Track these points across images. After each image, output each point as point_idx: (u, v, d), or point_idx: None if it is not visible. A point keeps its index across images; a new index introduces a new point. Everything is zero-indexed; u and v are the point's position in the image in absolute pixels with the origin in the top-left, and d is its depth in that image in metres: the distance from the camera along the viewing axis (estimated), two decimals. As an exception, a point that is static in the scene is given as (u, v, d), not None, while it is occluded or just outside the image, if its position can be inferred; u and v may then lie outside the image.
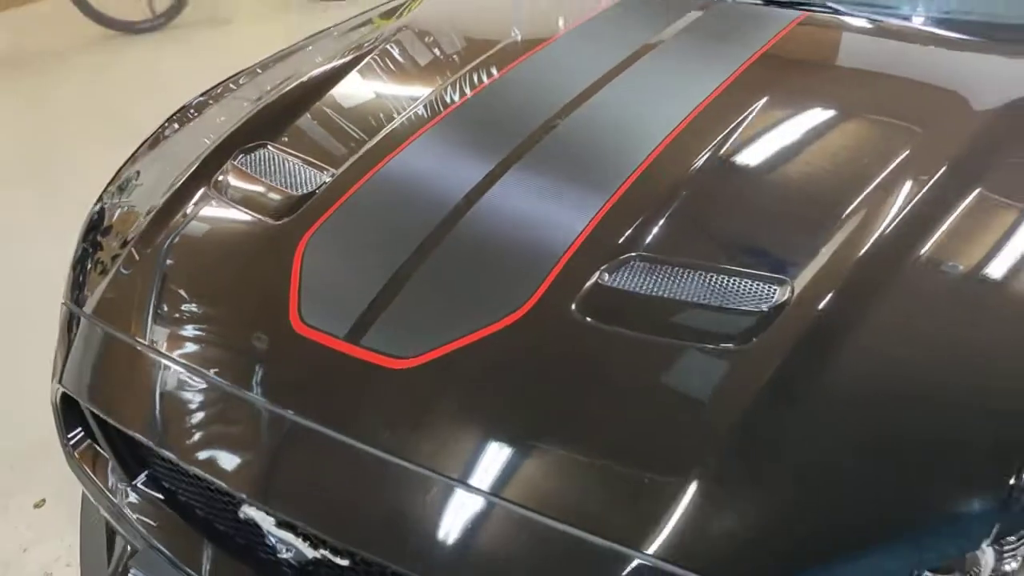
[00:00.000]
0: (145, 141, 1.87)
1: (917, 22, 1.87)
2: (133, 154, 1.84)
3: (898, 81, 1.71)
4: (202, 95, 1.96)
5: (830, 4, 1.94)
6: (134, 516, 1.42)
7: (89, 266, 1.55)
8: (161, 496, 1.43)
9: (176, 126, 1.85)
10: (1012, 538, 1.06)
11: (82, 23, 5.20)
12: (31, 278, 2.88)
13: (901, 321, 1.16)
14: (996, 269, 1.24)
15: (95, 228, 1.64)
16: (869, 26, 1.87)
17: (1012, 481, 1.03)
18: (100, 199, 1.71)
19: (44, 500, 2.12)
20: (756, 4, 1.98)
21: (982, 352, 1.14)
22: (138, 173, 1.74)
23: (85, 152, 3.78)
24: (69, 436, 1.53)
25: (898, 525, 1.03)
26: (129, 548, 1.50)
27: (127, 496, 1.44)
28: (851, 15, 1.90)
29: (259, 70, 1.99)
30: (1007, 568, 1.08)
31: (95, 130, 4.05)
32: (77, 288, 1.53)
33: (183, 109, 1.93)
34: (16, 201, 3.49)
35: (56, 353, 1.53)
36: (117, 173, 1.77)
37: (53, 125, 4.28)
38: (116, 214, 1.63)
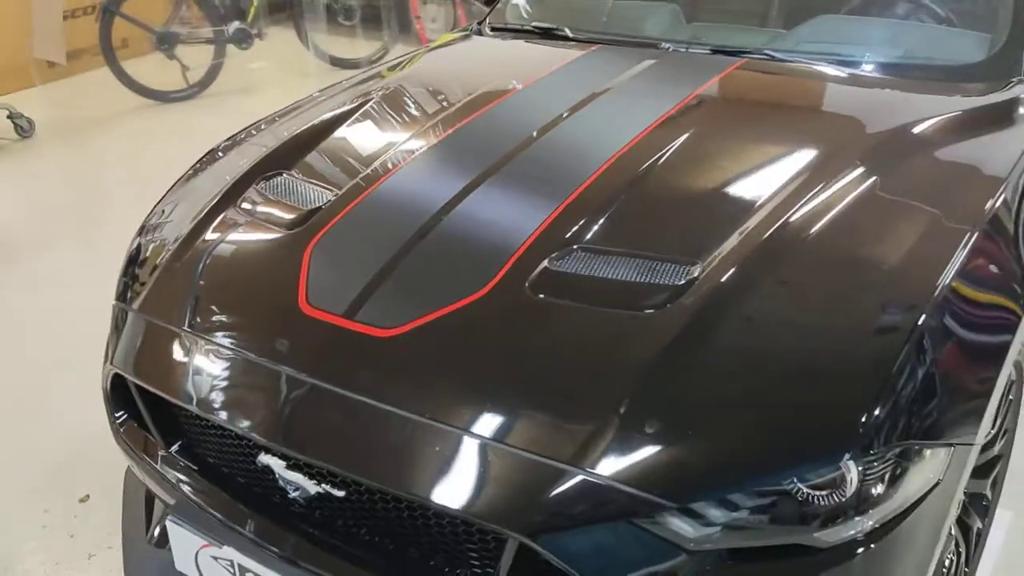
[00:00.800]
0: (181, 177, 2.21)
1: (830, 66, 2.20)
2: (171, 187, 2.17)
3: (806, 111, 2.04)
4: (227, 139, 2.30)
5: (765, 51, 2.27)
6: (171, 477, 1.69)
7: (134, 271, 1.86)
8: (191, 461, 1.71)
9: (205, 164, 2.18)
10: (872, 457, 1.31)
11: (123, 93, 5.63)
12: (77, 314, 3.22)
13: (780, 290, 1.46)
14: (855, 253, 1.55)
15: (140, 238, 1.96)
16: (793, 68, 2.19)
17: (862, 405, 1.30)
18: (143, 223, 2.03)
19: (88, 496, 2.40)
20: (704, 52, 2.31)
21: (839, 310, 1.43)
22: (174, 204, 2.06)
23: (125, 206, 4.14)
24: (116, 415, 1.82)
25: (775, 440, 1.30)
26: (165, 508, 1.78)
27: (164, 461, 1.72)
28: (781, 60, 2.23)
29: (277, 117, 2.32)
30: (873, 491, 1.34)
31: (134, 187, 4.43)
32: (125, 290, 1.84)
33: (211, 151, 2.26)
34: (65, 248, 3.85)
35: (107, 344, 1.84)
36: (161, 198, 2.10)
37: (97, 183, 4.67)
38: (156, 231, 1.95)
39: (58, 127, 5.38)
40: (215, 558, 1.59)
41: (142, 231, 2.01)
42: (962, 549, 1.82)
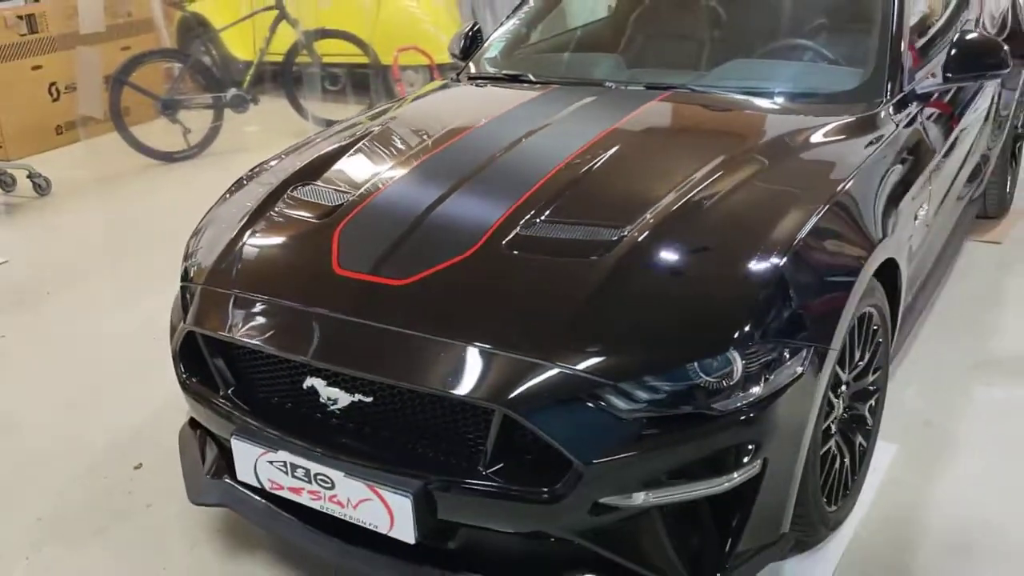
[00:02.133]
0: (220, 197, 2.74)
1: (738, 95, 2.82)
2: (213, 205, 2.71)
3: (713, 127, 2.67)
4: (251, 169, 2.84)
5: (687, 86, 2.88)
6: (231, 411, 2.19)
7: (195, 259, 2.39)
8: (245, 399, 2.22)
9: (240, 185, 2.72)
10: (751, 350, 1.85)
11: (130, 154, 6.18)
12: (104, 337, 3.73)
13: (683, 241, 2.05)
14: (739, 217, 2.14)
15: (194, 238, 2.50)
16: (708, 97, 2.81)
17: (743, 314, 1.86)
18: (197, 226, 2.57)
19: (141, 464, 2.88)
20: (639, 89, 2.92)
21: (726, 253, 2.03)
22: (220, 211, 2.60)
23: (138, 251, 4.67)
24: (184, 371, 2.33)
25: (681, 339, 1.85)
26: (221, 442, 2.28)
27: (225, 399, 2.22)
28: (699, 92, 2.84)
29: (283, 155, 2.86)
30: (753, 375, 1.88)
31: (144, 235, 4.95)
32: (187, 273, 2.37)
33: (240, 178, 2.80)
34: (87, 287, 4.34)
35: (172, 319, 2.37)
36: (207, 213, 2.64)
37: (110, 233, 5.18)
38: (207, 230, 2.49)
39: (73, 185, 5.90)
40: (271, 462, 2.08)
41: (196, 232, 2.55)
42: (847, 459, 2.35)
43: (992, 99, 3.67)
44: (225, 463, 2.34)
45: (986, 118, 3.64)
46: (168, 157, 6.28)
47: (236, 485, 2.27)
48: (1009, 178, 4.29)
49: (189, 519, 2.58)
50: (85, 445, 2.98)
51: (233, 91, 6.38)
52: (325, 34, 6.53)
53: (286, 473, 2.07)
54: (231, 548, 2.47)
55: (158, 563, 2.44)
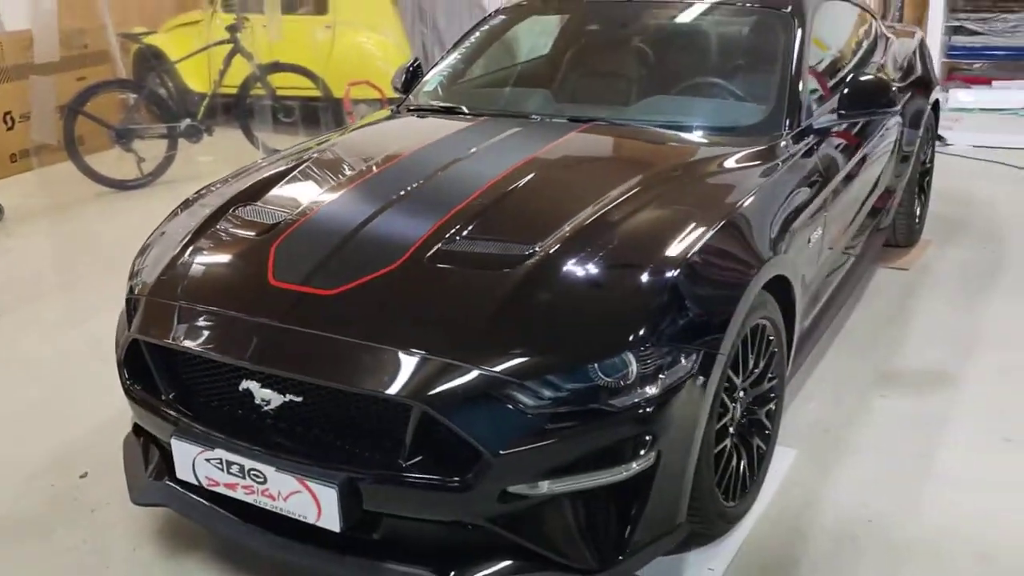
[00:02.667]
0: (167, 216, 2.91)
1: (653, 128, 3.08)
2: (160, 224, 2.87)
3: (628, 155, 2.92)
4: (197, 191, 3.01)
5: (607, 120, 3.12)
6: (171, 414, 2.35)
7: (140, 275, 2.56)
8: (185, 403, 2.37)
9: (186, 205, 2.89)
10: (644, 353, 2.07)
11: (83, 182, 6.29)
12: (51, 358, 3.85)
13: (588, 255, 2.25)
14: (641, 233, 2.37)
15: (140, 256, 2.66)
16: (625, 129, 3.06)
17: (638, 320, 2.07)
18: (144, 244, 2.73)
19: (87, 473, 3.00)
20: (562, 121, 3.15)
21: (626, 265, 2.25)
22: (166, 229, 2.77)
23: (88, 274, 4.81)
24: (128, 378, 2.48)
25: (583, 342, 2.06)
26: (163, 444, 2.43)
27: (166, 404, 2.38)
28: (617, 125, 3.09)
29: (229, 179, 3.04)
30: (647, 376, 2.09)
31: (95, 259, 5.07)
32: (133, 288, 2.53)
33: (187, 199, 2.97)
34: (30, 313, 4.45)
35: (118, 329, 2.53)
36: (155, 230, 2.80)
37: (62, 257, 5.29)
38: (153, 247, 2.66)
39: (26, 212, 5.99)
40: (208, 460, 2.24)
41: (142, 249, 2.72)
42: (744, 460, 2.56)
43: (897, 136, 3.97)
44: (166, 466, 2.49)
45: (892, 153, 3.94)
46: (121, 185, 6.39)
47: (175, 486, 2.42)
48: (917, 210, 4.59)
49: (132, 523, 2.71)
50: (32, 456, 3.09)
51: (187, 121, 6.54)
52: (279, 68, 6.73)
53: (222, 470, 2.23)
54: (172, 549, 2.61)
55: (102, 563, 2.57)
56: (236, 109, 6.92)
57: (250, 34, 6.72)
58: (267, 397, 2.19)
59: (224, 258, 2.52)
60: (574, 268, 2.22)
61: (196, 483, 2.30)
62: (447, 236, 2.36)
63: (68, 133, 6.23)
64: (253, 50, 6.69)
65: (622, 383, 2.06)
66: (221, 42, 6.71)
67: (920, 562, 2.44)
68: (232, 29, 6.60)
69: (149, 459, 2.58)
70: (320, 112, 7.04)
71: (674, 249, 2.28)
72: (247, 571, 2.50)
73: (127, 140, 6.39)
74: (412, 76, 3.77)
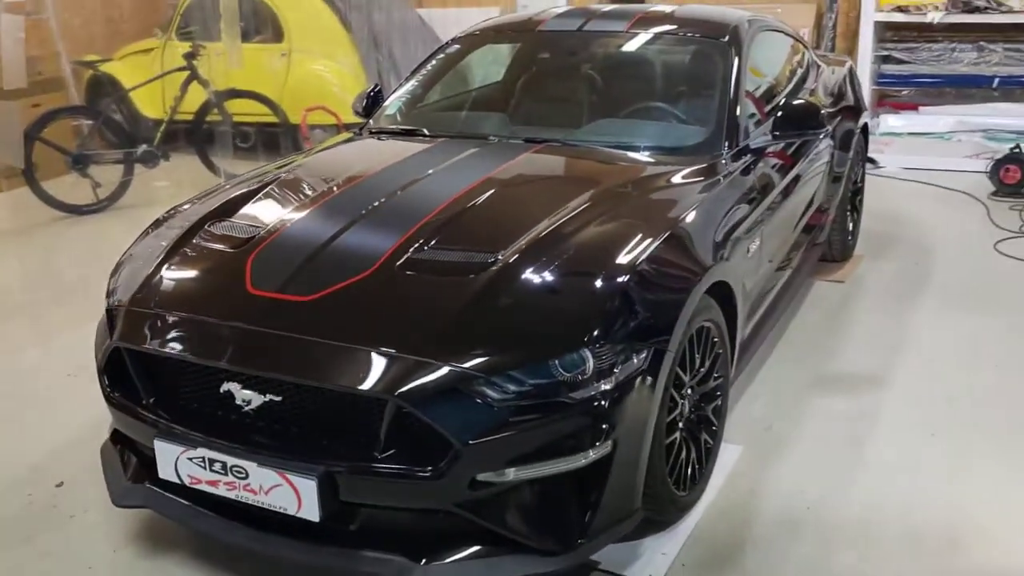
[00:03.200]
0: (141, 233, 3.03)
1: (602, 148, 3.30)
2: (135, 240, 3.00)
3: (580, 173, 3.14)
4: (168, 210, 3.14)
5: (559, 140, 3.34)
6: (151, 418, 2.48)
7: (119, 287, 2.68)
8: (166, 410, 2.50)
9: (159, 223, 3.02)
10: (600, 350, 2.26)
11: (40, 207, 6.34)
12: (19, 375, 3.92)
13: (546, 263, 2.44)
14: (594, 242, 2.58)
15: (117, 271, 2.79)
16: (577, 149, 3.28)
17: (593, 320, 2.27)
18: (120, 258, 2.86)
19: (63, 482, 3.09)
20: (518, 142, 3.36)
21: (581, 271, 2.44)
22: (142, 243, 2.90)
23: (44, 301, 4.87)
24: (108, 385, 2.60)
25: (543, 339, 2.25)
26: (141, 449, 2.55)
27: (148, 410, 2.50)
28: (569, 145, 3.31)
29: (196, 200, 3.16)
30: (602, 371, 2.28)
31: (51, 285, 5.14)
32: (112, 299, 2.65)
33: (158, 218, 3.09)
34: None
35: (97, 338, 2.65)
36: (131, 244, 2.93)
37: (16, 281, 5.33)
38: (131, 260, 2.79)
39: (-18, 237, 6.03)
40: (191, 459, 2.37)
41: (119, 264, 2.84)
42: (693, 453, 2.76)
43: (829, 157, 4.25)
44: (144, 471, 2.61)
45: (824, 173, 4.22)
46: (77, 210, 6.44)
47: (155, 488, 2.55)
48: (850, 226, 4.89)
49: (111, 528, 2.81)
50: (6, 468, 3.17)
51: (144, 147, 6.62)
52: (235, 94, 6.85)
53: (204, 468, 2.36)
54: (151, 550, 2.71)
55: (84, 564, 2.67)
56: (192, 135, 7.02)
57: (206, 61, 6.84)
58: (248, 398, 2.33)
59: (202, 269, 2.66)
60: (533, 274, 2.41)
61: (178, 482, 2.42)
62: (415, 246, 2.54)
63: (26, 159, 6.28)
64: (209, 77, 6.81)
65: (580, 378, 2.24)
66: (178, 69, 6.82)
67: (852, 542, 2.65)
68: (189, 56, 6.71)
69: (127, 465, 2.69)
70: (279, 137, 7.16)
71: (625, 257, 2.48)
72: (223, 569, 2.62)
73: (84, 166, 6.45)
74: (373, 101, 3.95)
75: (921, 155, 6.85)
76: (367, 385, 2.19)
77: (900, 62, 7.10)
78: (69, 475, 3.12)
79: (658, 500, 2.56)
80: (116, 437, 2.76)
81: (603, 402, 2.26)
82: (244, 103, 6.91)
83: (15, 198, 6.66)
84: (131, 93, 7.34)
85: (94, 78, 7.80)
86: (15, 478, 3.12)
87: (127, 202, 6.66)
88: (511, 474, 2.22)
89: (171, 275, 2.63)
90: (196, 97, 6.84)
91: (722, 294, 2.81)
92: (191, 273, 2.65)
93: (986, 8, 6.56)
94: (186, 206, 3.10)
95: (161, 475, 2.45)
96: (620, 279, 2.40)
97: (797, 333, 4.06)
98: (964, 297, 4.43)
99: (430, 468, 2.17)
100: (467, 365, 2.20)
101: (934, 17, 6.63)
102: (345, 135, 3.85)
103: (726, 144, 3.25)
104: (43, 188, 6.34)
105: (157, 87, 7.26)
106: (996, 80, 6.77)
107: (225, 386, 2.36)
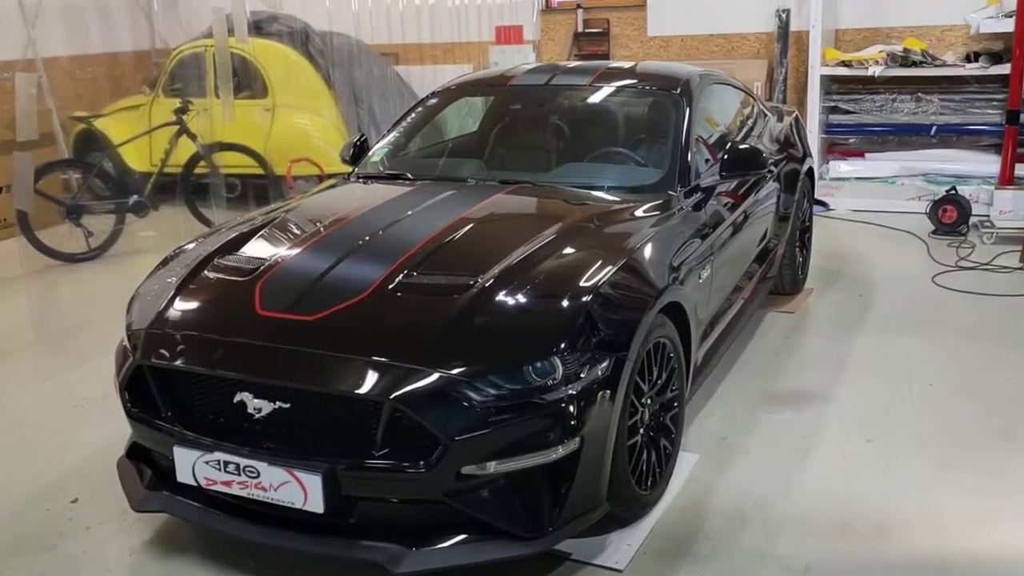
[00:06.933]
0: (152, 270, 3.36)
1: (569, 188, 3.69)
2: (147, 276, 3.32)
3: (548, 209, 3.52)
4: (175, 249, 3.47)
5: (530, 182, 3.73)
6: (170, 428, 2.78)
7: (137, 314, 3.00)
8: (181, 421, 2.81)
9: (169, 259, 3.35)
10: (568, 358, 2.61)
11: (34, 256, 6.61)
12: (28, 408, 4.19)
13: (520, 285, 2.80)
14: (560, 268, 2.94)
15: (135, 301, 3.11)
16: (546, 189, 3.68)
17: (562, 332, 2.62)
18: (136, 291, 3.18)
19: (77, 498, 3.36)
20: (493, 183, 3.74)
21: (549, 293, 2.81)
22: (155, 276, 3.23)
23: (46, 341, 5.15)
24: (129, 402, 2.90)
25: (518, 350, 2.60)
26: (157, 460, 2.85)
27: (167, 421, 2.81)
28: (539, 186, 3.69)
29: (198, 240, 3.50)
30: (571, 387, 2.62)
31: (51, 327, 5.41)
32: (131, 323, 2.98)
33: (167, 256, 3.42)
34: (2, 369, 4.77)
35: (117, 360, 2.96)
36: (144, 280, 3.25)
37: (11, 325, 5.58)
38: (146, 294, 3.11)
39: (-20, 284, 6.28)
40: (207, 462, 2.67)
41: (134, 297, 3.16)
42: (654, 456, 3.10)
43: (775, 198, 4.67)
44: (158, 480, 2.92)
45: (773, 213, 4.63)
46: (70, 258, 6.72)
47: (170, 494, 2.84)
48: (800, 262, 5.30)
49: (126, 535, 3.08)
50: (23, 488, 3.44)
51: (135, 198, 6.93)
52: (223, 147, 7.21)
53: (220, 469, 2.66)
54: (165, 554, 2.99)
55: (103, 567, 2.94)
56: (181, 186, 7.36)
57: (195, 116, 7.22)
58: (259, 406, 2.65)
59: (215, 296, 2.99)
60: (509, 295, 2.77)
61: (195, 484, 2.72)
62: (404, 272, 2.90)
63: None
64: (197, 131, 7.17)
65: (550, 383, 2.59)
66: (168, 124, 7.19)
67: (793, 532, 2.99)
68: (179, 111, 7.08)
69: (143, 475, 2.98)
70: (262, 188, 7.51)
71: (588, 281, 2.85)
72: (231, 570, 2.89)
73: (78, 215, 6.74)
74: (359, 149, 4.33)
75: (868, 198, 7.33)
76: (366, 390, 2.52)
77: (846, 112, 7.60)
78: (83, 493, 3.39)
79: (623, 496, 2.88)
80: (132, 452, 3.06)
81: (571, 404, 2.60)
82: (231, 155, 7.26)
83: (9, 247, 6.93)
84: (119, 147, 7.67)
85: (82, 133, 8.13)
86: (32, 496, 3.38)
87: (117, 251, 6.94)
88: (491, 467, 2.54)
89: (186, 302, 2.96)
90: (183, 150, 7.20)
91: (676, 315, 3.17)
92: (204, 299, 2.99)
93: (922, 62, 7.09)
94: (190, 245, 3.43)
95: (179, 479, 2.75)
96: (584, 299, 2.76)
97: (750, 357, 4.43)
98: (903, 324, 4.83)
99: (422, 462, 2.50)
100: (453, 372, 2.54)
101: (875, 71, 7.15)
102: (334, 180, 4.22)
103: (679, 183, 3.64)
104: (38, 237, 6.62)
105: (143, 141, 7.61)
106: (934, 128, 7.28)
107: (238, 396, 2.67)
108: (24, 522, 3.21)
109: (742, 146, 3.88)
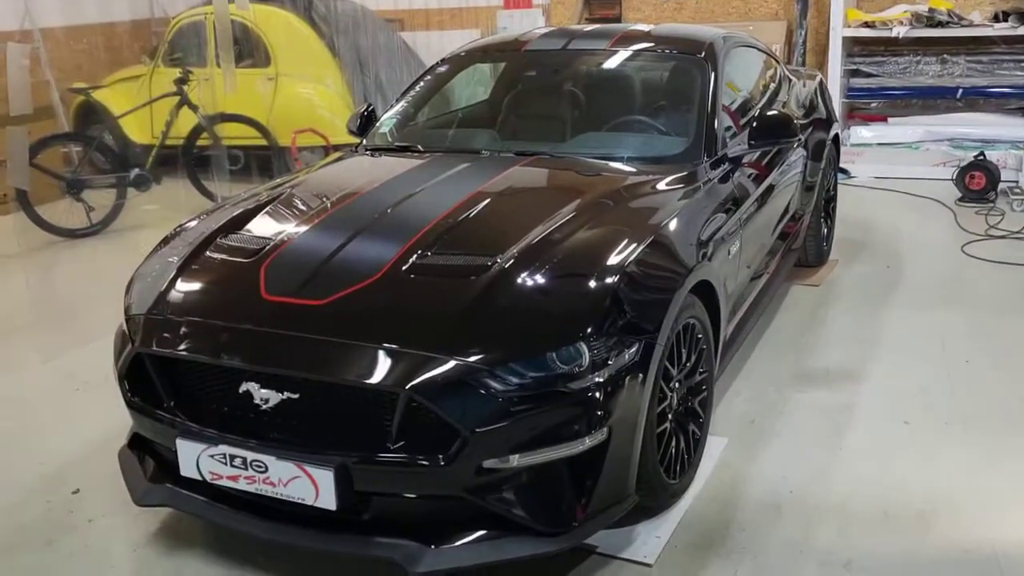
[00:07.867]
0: (153, 249, 3.18)
1: (588, 159, 3.50)
2: (148, 255, 3.15)
3: (569, 182, 3.34)
4: (176, 227, 3.29)
5: (547, 153, 3.53)
6: (173, 419, 2.62)
7: (136, 298, 2.83)
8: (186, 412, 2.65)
9: (170, 238, 3.17)
10: (595, 344, 2.43)
11: (35, 232, 6.45)
12: (27, 391, 4.04)
13: (542, 264, 2.62)
14: (586, 246, 2.76)
15: (135, 282, 2.94)
16: (564, 161, 3.48)
17: (588, 316, 2.45)
18: (135, 272, 3.01)
19: (79, 489, 3.22)
20: (508, 155, 3.55)
21: (575, 272, 2.62)
22: (155, 257, 3.05)
23: (46, 321, 5.00)
24: (128, 390, 2.74)
25: (543, 335, 2.42)
26: (159, 451, 2.70)
27: (169, 412, 2.65)
28: (557, 157, 3.50)
29: (200, 217, 3.32)
30: (597, 363, 2.45)
31: (52, 306, 5.26)
32: (129, 308, 2.81)
33: (167, 236, 3.24)
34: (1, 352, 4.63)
35: (116, 347, 2.80)
36: (143, 261, 3.08)
37: (14, 301, 5.44)
38: (146, 274, 2.94)
39: (-20, 261, 6.13)
40: (212, 456, 2.52)
41: (133, 279, 2.99)
42: (682, 443, 2.93)
43: (802, 167, 4.47)
44: (161, 472, 2.76)
45: (799, 183, 4.43)
46: (71, 233, 6.56)
47: (174, 487, 2.69)
48: (825, 233, 5.10)
49: (129, 530, 2.94)
50: (23, 479, 3.29)
51: (136, 171, 6.76)
52: (225, 118, 7.02)
53: (225, 464, 2.51)
54: (169, 548, 2.85)
55: (107, 563, 2.80)
56: (183, 159, 7.17)
57: (196, 86, 7.01)
58: (266, 396, 2.48)
59: (217, 278, 2.82)
60: (530, 276, 2.59)
61: (200, 479, 2.57)
62: (418, 252, 2.71)
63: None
64: (199, 101, 6.97)
65: (576, 370, 2.42)
66: (168, 95, 6.98)
67: (831, 521, 2.83)
68: (180, 82, 6.88)
69: (145, 467, 2.83)
70: (266, 160, 7.32)
71: (615, 259, 2.66)
72: (236, 564, 2.75)
73: (78, 190, 6.57)
74: (366, 120, 4.13)
75: (891, 164, 7.11)
76: (380, 380, 2.35)
77: (868, 75, 7.36)
78: (84, 483, 3.24)
79: (651, 486, 2.72)
80: (133, 442, 2.90)
81: (598, 392, 2.43)
82: (234, 126, 7.07)
83: (8, 223, 6.76)
84: (120, 119, 7.47)
85: (81, 105, 7.93)
86: (33, 487, 3.24)
87: (119, 226, 6.78)
88: (515, 460, 2.38)
89: (187, 285, 2.79)
90: (186, 122, 7.00)
91: (705, 293, 3.00)
92: (207, 282, 2.82)
93: (948, 22, 6.84)
94: (192, 223, 3.26)
95: (183, 473, 2.60)
96: (611, 280, 2.58)
97: (776, 333, 4.26)
98: (933, 297, 4.65)
99: (440, 456, 2.33)
100: (472, 359, 2.37)
101: (899, 32, 6.91)
102: (339, 154, 4.02)
103: (705, 153, 3.45)
104: (37, 213, 6.46)
105: (145, 113, 7.41)
106: (960, 91, 7.05)
107: (244, 386, 2.51)
108: (24, 515, 3.07)
109: (771, 112, 3.68)
